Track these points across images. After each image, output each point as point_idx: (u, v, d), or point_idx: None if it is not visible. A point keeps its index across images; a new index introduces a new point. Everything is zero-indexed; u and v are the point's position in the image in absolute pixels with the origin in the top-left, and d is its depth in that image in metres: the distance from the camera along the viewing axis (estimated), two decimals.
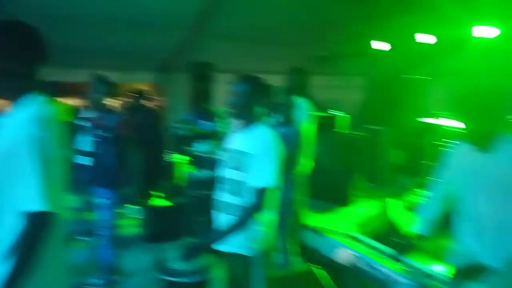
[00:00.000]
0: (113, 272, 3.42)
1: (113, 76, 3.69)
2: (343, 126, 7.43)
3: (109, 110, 3.46)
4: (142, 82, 7.12)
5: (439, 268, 2.01)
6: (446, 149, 2.15)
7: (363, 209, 5.34)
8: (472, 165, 1.95)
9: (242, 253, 2.20)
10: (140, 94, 5.85)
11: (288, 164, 3.20)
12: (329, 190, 5.85)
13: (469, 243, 2.01)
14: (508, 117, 5.09)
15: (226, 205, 2.25)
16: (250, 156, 2.13)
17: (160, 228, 4.30)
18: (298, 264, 3.55)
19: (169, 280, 2.19)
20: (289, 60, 3.84)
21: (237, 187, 2.18)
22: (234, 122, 2.29)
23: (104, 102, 3.43)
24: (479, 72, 1.89)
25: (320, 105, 9.11)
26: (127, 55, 6.32)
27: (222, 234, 2.14)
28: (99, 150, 3.41)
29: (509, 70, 1.88)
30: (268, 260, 2.30)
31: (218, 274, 2.56)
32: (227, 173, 2.25)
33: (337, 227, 4.41)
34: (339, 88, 8.77)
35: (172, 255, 2.31)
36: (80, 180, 3.22)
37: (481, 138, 1.91)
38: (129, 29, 5.67)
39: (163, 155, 5.66)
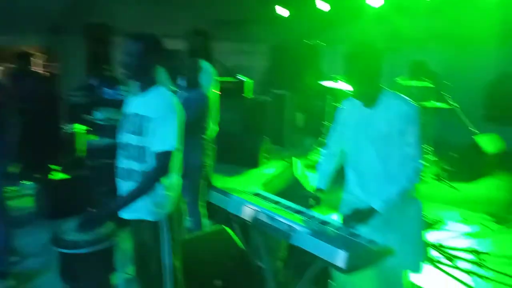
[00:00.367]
0: (8, 253, 3.12)
1: None
2: (250, 91, 7.55)
3: None
4: (31, 46, 6.33)
5: (334, 217, 2.22)
6: (338, 107, 2.33)
7: (270, 170, 5.59)
8: (359, 120, 2.16)
9: (148, 219, 2.16)
10: (27, 58, 5.20)
11: (196, 128, 3.18)
12: (239, 154, 6.00)
13: (355, 191, 2.24)
14: (396, 78, 5.61)
15: (128, 172, 2.16)
16: (148, 119, 2.05)
17: (59, 203, 4.01)
18: (209, 226, 3.64)
19: (67, 253, 2.07)
20: (191, 23, 3.70)
21: (138, 153, 2.10)
22: (133, 85, 2.17)
23: None
24: (365, 38, 2.06)
25: (227, 71, 9.15)
26: (12, 14, 5.54)
27: (124, 202, 2.06)
28: None
29: (390, 36, 2.08)
30: (176, 223, 2.30)
31: (123, 242, 2.51)
32: (127, 138, 2.15)
33: (244, 187, 4.60)
34: (245, 54, 8.86)
35: (70, 227, 2.17)
36: None
37: (365, 96, 2.12)
38: None
39: (58, 125, 5.20)
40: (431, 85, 5.82)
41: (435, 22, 7.22)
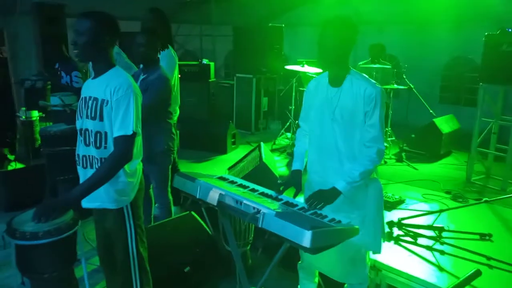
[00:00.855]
0: None
1: None
2: (213, 75, 7.45)
3: None
4: None
5: (301, 199, 2.24)
6: (306, 87, 2.33)
7: (236, 155, 5.57)
8: (324, 98, 2.17)
9: (111, 207, 2.09)
10: None
11: (159, 112, 3.08)
12: (205, 139, 5.93)
13: (317, 170, 2.27)
14: (360, 63, 5.68)
15: (88, 159, 2.07)
16: (105, 103, 1.96)
17: (16, 194, 3.81)
18: (176, 211, 3.59)
19: (24, 245, 1.96)
20: (150, 5, 3.53)
21: (97, 139, 2.01)
22: (90, 68, 2.06)
23: None
24: (329, 21, 2.04)
25: (190, 54, 8.96)
26: None
27: (85, 190, 1.95)
28: None
29: (352, 20, 2.08)
30: (140, 210, 2.24)
31: (86, 231, 2.43)
32: (85, 124, 2.05)
33: (211, 172, 4.57)
34: (207, 37, 8.70)
35: (27, 217, 2.06)
36: None
37: (333, 71, 2.14)
38: None
39: (12, 111, 4.90)
40: (390, 68, 5.96)
41: (392, 6, 7.38)
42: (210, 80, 7.34)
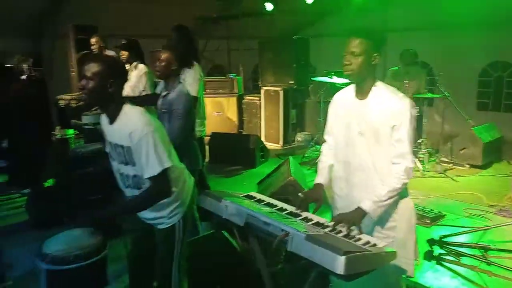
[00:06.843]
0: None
1: None
2: (241, 89, 7.45)
3: None
4: (17, 50, 6.19)
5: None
6: (332, 100, 2.23)
7: (265, 169, 5.49)
8: (350, 111, 2.07)
9: (164, 227, 2.16)
10: (17, 64, 5.09)
11: (184, 129, 3.05)
12: (234, 153, 5.91)
13: (342, 186, 2.14)
14: (389, 70, 5.51)
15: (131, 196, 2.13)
16: (129, 149, 1.96)
17: (48, 211, 3.88)
18: (204, 229, 3.54)
19: (52, 270, 1.94)
20: (174, 21, 3.55)
21: (134, 181, 2.05)
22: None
23: None
24: (353, 32, 1.96)
25: (218, 69, 9.03)
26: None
27: (119, 212, 2.07)
28: None
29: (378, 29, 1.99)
30: (189, 225, 2.29)
31: (115, 253, 2.40)
32: (119, 168, 2.09)
33: (241, 189, 4.51)
34: (233, 51, 8.75)
35: (53, 240, 2.05)
36: None
37: (358, 89, 2.04)
38: None
39: (48, 130, 5.06)
40: (424, 75, 5.73)
41: (421, 11, 7.15)
42: (238, 94, 7.35)
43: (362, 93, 2.03)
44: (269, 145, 6.73)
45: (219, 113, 7.26)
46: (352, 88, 2.11)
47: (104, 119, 2.06)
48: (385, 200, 1.92)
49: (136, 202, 2.05)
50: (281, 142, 7.14)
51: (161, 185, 1.97)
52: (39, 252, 1.98)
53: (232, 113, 7.34)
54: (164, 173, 1.95)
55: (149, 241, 2.26)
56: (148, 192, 1.99)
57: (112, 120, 2.00)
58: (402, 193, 2.01)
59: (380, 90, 1.99)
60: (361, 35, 1.94)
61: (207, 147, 5.29)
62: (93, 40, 5.02)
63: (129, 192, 2.12)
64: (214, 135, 6.15)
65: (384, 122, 1.94)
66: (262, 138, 6.61)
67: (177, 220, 2.19)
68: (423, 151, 5.57)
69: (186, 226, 2.25)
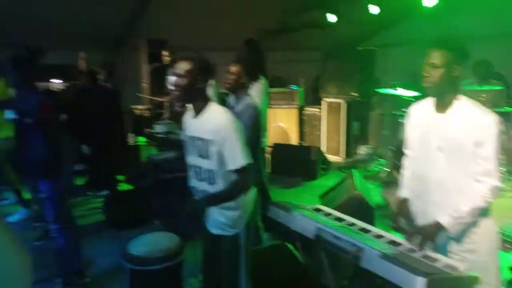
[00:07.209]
0: (74, 264, 3.21)
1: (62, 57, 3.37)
2: (302, 101, 7.45)
3: (30, 92, 2.91)
4: (94, 62, 6.73)
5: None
6: (409, 109, 2.17)
7: (328, 182, 5.43)
8: (429, 125, 2.00)
9: (229, 234, 2.22)
10: (93, 75, 5.51)
11: (251, 140, 3.13)
12: (295, 165, 5.91)
13: (417, 203, 2.07)
14: (463, 82, 5.16)
15: (203, 193, 2.21)
16: (212, 142, 2.06)
17: (124, 213, 4.15)
18: (267, 239, 3.57)
19: (135, 269, 2.08)
20: (237, 35, 3.67)
21: (209, 175, 2.14)
22: (188, 105, 2.21)
23: (24, 83, 2.89)
24: (436, 42, 1.90)
25: (278, 80, 9.12)
26: (70, 32, 5.90)
27: (214, 201, 2.14)
28: (22, 139, 2.94)
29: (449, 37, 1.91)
30: (252, 233, 2.34)
31: (190, 258, 2.51)
32: (196, 161, 2.19)
33: (302, 200, 4.49)
34: (295, 63, 8.77)
35: (137, 242, 2.20)
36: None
37: (438, 102, 1.97)
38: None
39: (122, 137, 5.44)
40: (501, 88, 5.35)
41: (493, 17, 6.67)
42: (299, 106, 7.36)
43: (442, 106, 1.95)
44: (330, 158, 6.64)
45: (279, 124, 7.32)
46: (430, 101, 2.04)
47: (189, 113, 2.21)
48: (466, 217, 1.83)
49: (226, 192, 2.13)
50: (342, 155, 7.01)
51: (245, 179, 2.07)
52: (124, 253, 2.12)
53: (292, 125, 7.35)
54: (248, 167, 2.05)
55: (216, 249, 2.32)
56: (235, 183, 2.09)
57: (198, 113, 2.13)
58: (483, 213, 1.90)
59: (463, 104, 1.91)
60: (443, 46, 1.88)
61: (268, 158, 5.35)
62: (165, 53, 5.34)
63: (202, 186, 2.19)
64: (276, 146, 6.20)
65: (467, 138, 1.85)
66: (323, 150, 6.53)
67: (241, 228, 2.23)
68: (502, 169, 5.18)
69: (249, 234, 2.30)
